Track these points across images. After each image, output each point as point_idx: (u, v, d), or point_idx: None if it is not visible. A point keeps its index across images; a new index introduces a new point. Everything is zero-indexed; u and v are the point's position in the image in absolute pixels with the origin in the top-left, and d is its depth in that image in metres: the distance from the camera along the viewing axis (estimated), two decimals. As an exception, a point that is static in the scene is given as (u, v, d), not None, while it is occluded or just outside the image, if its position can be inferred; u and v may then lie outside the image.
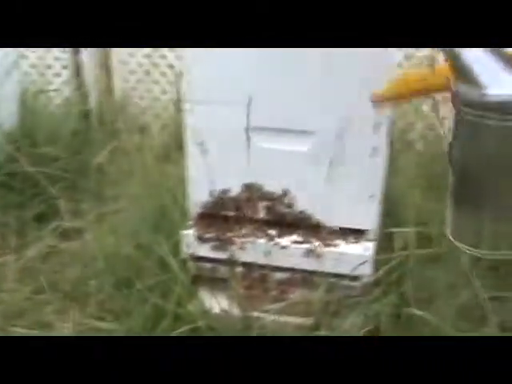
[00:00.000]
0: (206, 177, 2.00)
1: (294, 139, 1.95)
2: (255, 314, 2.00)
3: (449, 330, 1.98)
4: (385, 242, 2.09)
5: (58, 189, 2.61)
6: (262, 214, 2.06)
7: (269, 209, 2.04)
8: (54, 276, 2.43)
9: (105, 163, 2.91)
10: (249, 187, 2.03)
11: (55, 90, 3.69)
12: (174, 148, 2.85)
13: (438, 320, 1.98)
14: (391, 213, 2.28)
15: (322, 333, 1.93)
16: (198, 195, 2.09)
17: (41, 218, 2.74)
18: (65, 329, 2.12)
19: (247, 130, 1.96)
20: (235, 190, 2.05)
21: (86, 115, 3.54)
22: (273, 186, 2.03)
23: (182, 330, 1.98)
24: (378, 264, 2.03)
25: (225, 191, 2.06)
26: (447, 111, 1.84)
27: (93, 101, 3.66)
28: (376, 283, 2.02)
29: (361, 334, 1.91)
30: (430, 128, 3.01)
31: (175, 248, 2.14)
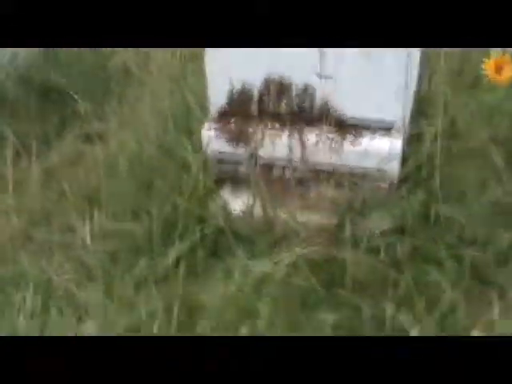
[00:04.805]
0: (226, 71, 1.91)
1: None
2: (277, 212, 1.95)
3: (478, 230, 1.90)
4: (414, 140, 2.00)
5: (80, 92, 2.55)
6: (283, 109, 1.98)
7: (291, 102, 1.95)
8: (76, 181, 2.40)
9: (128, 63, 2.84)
10: (270, 81, 1.94)
11: None
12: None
13: (468, 219, 1.90)
14: (421, 110, 2.18)
15: (347, 233, 1.87)
16: (218, 91, 2.01)
17: (64, 123, 2.70)
18: (86, 232, 2.11)
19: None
20: (256, 84, 1.96)
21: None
22: (295, 78, 1.93)
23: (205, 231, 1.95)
24: (405, 161, 1.95)
25: (245, 86, 1.97)
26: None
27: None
28: (403, 180, 1.94)
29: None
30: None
31: (196, 147, 2.08)
